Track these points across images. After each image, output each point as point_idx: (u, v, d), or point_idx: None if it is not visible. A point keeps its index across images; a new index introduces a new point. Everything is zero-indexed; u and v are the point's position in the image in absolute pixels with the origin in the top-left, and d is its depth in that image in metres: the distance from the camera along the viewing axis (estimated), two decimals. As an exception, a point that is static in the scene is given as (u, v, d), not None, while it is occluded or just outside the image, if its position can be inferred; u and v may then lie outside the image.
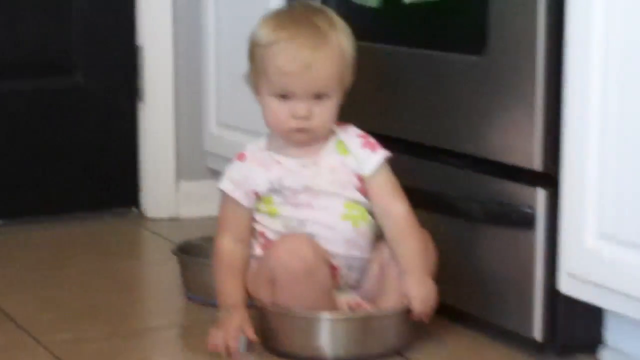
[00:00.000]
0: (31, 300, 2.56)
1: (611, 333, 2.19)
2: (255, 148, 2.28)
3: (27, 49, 3.22)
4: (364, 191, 2.25)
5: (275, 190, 2.23)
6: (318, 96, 2.19)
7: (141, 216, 3.33)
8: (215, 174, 3.27)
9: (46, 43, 3.23)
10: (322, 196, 2.23)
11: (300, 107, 2.19)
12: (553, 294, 2.15)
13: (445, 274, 2.27)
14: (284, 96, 2.20)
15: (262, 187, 2.24)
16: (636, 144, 1.97)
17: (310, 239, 2.20)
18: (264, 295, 2.22)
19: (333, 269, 2.24)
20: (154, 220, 3.30)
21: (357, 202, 2.25)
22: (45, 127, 3.25)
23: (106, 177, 3.32)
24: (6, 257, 2.91)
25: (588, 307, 2.14)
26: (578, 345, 2.20)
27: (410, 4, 2.31)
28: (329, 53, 2.19)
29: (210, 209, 3.11)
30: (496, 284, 2.24)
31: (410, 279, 2.21)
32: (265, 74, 2.21)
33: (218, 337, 2.19)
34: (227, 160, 2.34)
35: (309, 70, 2.17)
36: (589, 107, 2.04)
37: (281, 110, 2.21)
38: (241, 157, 2.28)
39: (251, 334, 2.20)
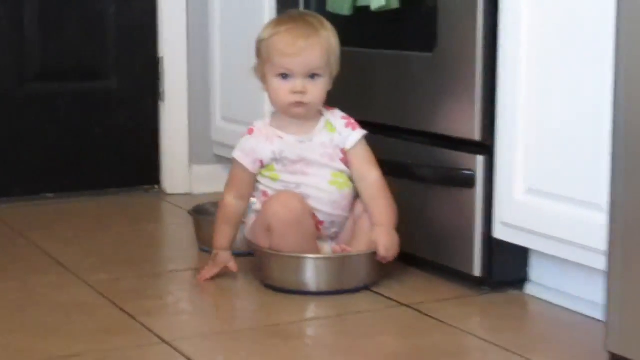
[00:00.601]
0: (78, 252, 2.55)
1: (535, 271, 2.20)
2: (262, 125, 2.28)
3: (72, 58, 3.19)
4: (346, 162, 2.26)
5: (277, 159, 2.23)
6: (312, 76, 2.20)
7: (162, 192, 3.31)
8: (221, 159, 3.28)
9: (86, 54, 3.21)
10: (314, 166, 2.23)
11: (297, 83, 2.20)
12: (490, 239, 2.16)
13: (404, 226, 2.26)
14: (284, 76, 2.21)
15: (266, 156, 2.24)
16: (553, 120, 1.98)
17: (298, 195, 2.20)
18: (261, 240, 2.22)
19: (318, 222, 2.24)
20: (172, 195, 3.28)
21: (341, 172, 2.25)
22: (85, 122, 3.22)
23: (134, 161, 3.30)
24: (56, 222, 2.89)
25: (517, 249, 2.15)
26: (509, 281, 2.20)
27: (376, 11, 2.30)
28: (319, 42, 2.20)
29: (216, 186, 3.11)
30: (444, 233, 2.24)
31: (379, 230, 2.21)
32: (270, 59, 2.21)
33: (205, 270, 2.26)
34: (231, 148, 2.33)
35: (304, 52, 2.18)
36: (517, 90, 2.05)
37: (282, 87, 2.21)
38: (250, 131, 2.28)
39: (232, 266, 2.26)
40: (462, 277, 2.22)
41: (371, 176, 2.25)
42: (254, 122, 2.30)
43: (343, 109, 2.31)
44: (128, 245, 2.62)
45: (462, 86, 2.15)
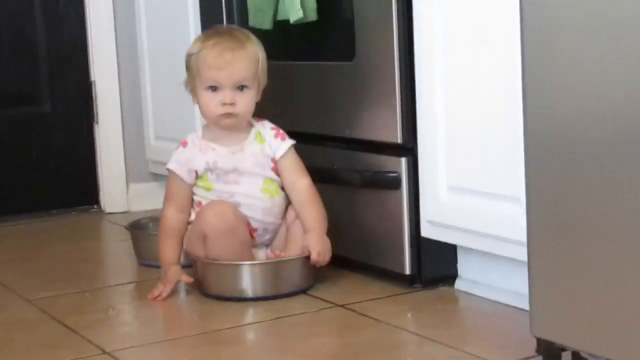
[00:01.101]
0: (18, 272, 2.51)
1: (463, 267, 2.20)
2: (195, 137, 2.26)
3: (5, 84, 3.16)
4: (276, 171, 2.25)
5: (211, 169, 2.21)
6: (240, 87, 2.19)
7: (101, 211, 3.28)
8: (156, 177, 3.25)
9: (19, 80, 3.17)
10: (247, 175, 2.22)
11: (226, 95, 2.18)
12: (418, 238, 2.16)
13: (335, 230, 2.25)
14: (214, 89, 2.19)
15: (200, 167, 2.22)
16: (469, 120, 1.99)
17: (230, 204, 2.19)
18: (197, 250, 2.20)
19: (252, 230, 2.22)
20: (110, 214, 3.25)
21: (272, 180, 2.24)
22: (22, 146, 3.18)
23: (72, 182, 3.26)
24: (-3, 244, 2.86)
25: (446, 246, 2.16)
26: (439, 277, 2.20)
27: (295, 23, 2.30)
28: (245, 54, 2.19)
29: (153, 203, 3.09)
30: (374, 234, 2.24)
31: (312, 236, 2.20)
32: (199, 72, 2.20)
33: (158, 289, 2.19)
34: (165, 165, 2.30)
35: (231, 65, 2.17)
36: (434, 94, 2.06)
37: (212, 100, 2.20)
38: (184, 144, 2.26)
39: (186, 278, 2.20)
40: (394, 277, 2.21)
41: (301, 183, 2.24)
42: (187, 135, 2.28)
43: (271, 120, 2.30)
44: (69, 264, 2.58)
45: (383, 92, 2.15)
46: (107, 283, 2.43)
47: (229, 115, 2.19)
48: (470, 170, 2.00)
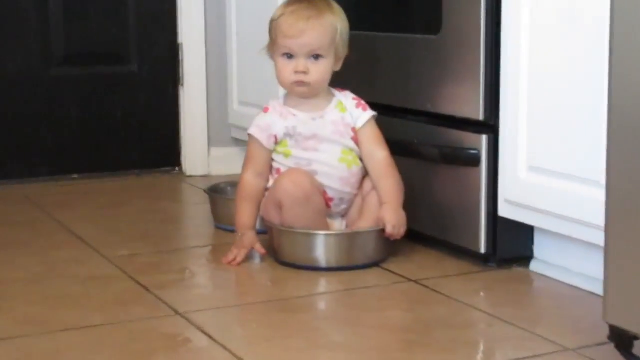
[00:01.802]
0: (99, 229, 2.55)
1: (539, 248, 2.18)
2: (276, 103, 2.27)
3: (96, 43, 3.20)
4: (356, 140, 2.24)
5: (290, 135, 2.22)
6: (315, 57, 2.19)
7: (182, 174, 3.31)
8: (238, 142, 3.27)
9: (108, 40, 3.21)
10: (326, 142, 2.22)
11: (300, 63, 2.19)
12: (495, 217, 2.14)
13: (411, 205, 2.24)
14: (289, 56, 2.20)
15: (280, 132, 2.23)
16: (553, 100, 1.96)
17: (307, 173, 2.19)
18: (273, 217, 2.21)
19: (328, 199, 2.22)
20: (191, 176, 3.27)
21: (351, 149, 2.24)
22: (109, 105, 3.22)
23: (156, 144, 3.29)
24: (81, 201, 2.90)
25: (522, 227, 2.13)
26: (514, 258, 2.18)
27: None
28: (320, 24, 2.18)
29: (233, 168, 3.10)
30: (451, 211, 2.22)
31: (387, 208, 2.19)
32: (276, 40, 2.21)
33: (232, 253, 2.20)
34: (246, 130, 2.30)
35: (304, 34, 2.17)
36: (519, 72, 2.03)
37: (286, 67, 2.21)
38: (266, 109, 2.27)
39: (259, 248, 2.20)
40: (468, 254, 2.20)
41: (379, 155, 2.23)
42: (270, 102, 2.29)
43: (352, 91, 2.30)
44: (148, 223, 2.61)
45: (467, 68, 2.13)
46: (184, 245, 2.46)
47: (301, 83, 2.20)
48: (551, 151, 1.97)
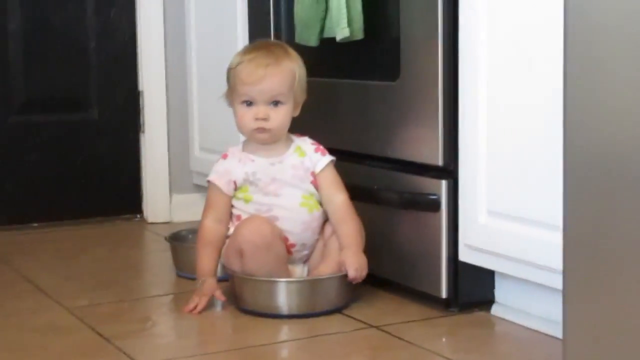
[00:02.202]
0: (58, 278, 2.52)
1: (500, 292, 2.18)
2: (235, 149, 2.28)
3: (55, 90, 3.19)
4: (316, 185, 2.25)
5: (250, 181, 2.22)
6: (274, 103, 2.20)
7: (143, 221, 3.30)
8: (200, 189, 3.26)
9: (69, 86, 3.21)
10: (286, 187, 2.22)
11: (260, 110, 2.20)
12: (455, 262, 2.14)
13: (372, 250, 2.24)
14: (248, 103, 2.21)
15: (239, 177, 2.23)
16: (512, 145, 1.97)
17: (268, 220, 2.19)
18: (234, 265, 2.20)
19: (290, 245, 2.22)
20: (153, 223, 3.26)
21: (312, 194, 2.25)
22: (69, 152, 3.22)
23: (117, 191, 3.28)
24: (39, 250, 2.88)
25: (483, 271, 2.14)
26: (476, 302, 2.18)
27: (341, 41, 2.30)
28: (280, 70, 2.20)
29: (195, 214, 3.08)
30: (411, 256, 2.22)
31: (348, 252, 2.19)
32: (235, 87, 2.22)
33: (193, 301, 2.19)
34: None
35: (264, 81, 2.19)
36: (477, 117, 2.05)
37: (246, 114, 2.22)
38: (225, 156, 2.28)
39: (219, 295, 2.19)
40: (430, 299, 2.20)
41: (338, 199, 2.24)
42: (229, 148, 2.30)
43: (312, 136, 2.31)
44: (108, 272, 2.59)
45: (425, 113, 2.14)
46: (145, 293, 2.44)
47: (262, 129, 2.21)
48: (510, 196, 1.98)
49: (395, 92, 2.23)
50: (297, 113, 2.26)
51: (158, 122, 3.27)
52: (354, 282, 2.19)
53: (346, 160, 2.36)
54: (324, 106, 2.45)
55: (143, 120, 3.27)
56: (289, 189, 2.22)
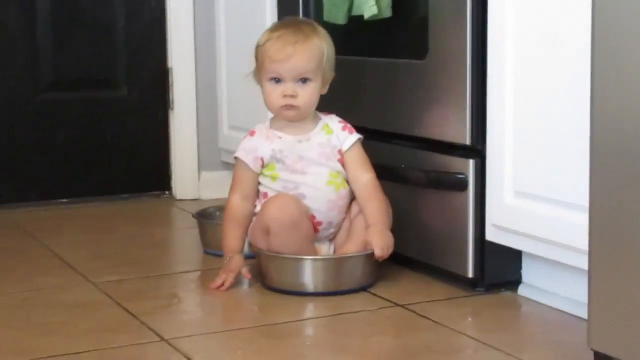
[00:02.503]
0: (86, 254, 2.54)
1: (527, 272, 2.17)
2: (262, 127, 2.28)
3: (84, 69, 3.20)
4: (343, 163, 2.25)
5: (277, 158, 2.22)
6: (302, 80, 2.20)
7: (172, 198, 3.31)
8: (228, 166, 3.26)
9: (98, 64, 3.22)
10: (313, 165, 2.22)
11: (288, 87, 2.20)
12: (482, 241, 2.14)
13: (399, 229, 2.24)
14: (276, 80, 2.21)
15: (266, 155, 2.23)
16: (539, 125, 1.96)
17: (295, 198, 2.19)
18: (260, 242, 2.21)
19: (316, 223, 2.23)
20: (181, 200, 3.28)
21: (338, 172, 2.24)
22: (99, 130, 3.23)
23: (146, 168, 3.29)
24: (68, 226, 2.90)
25: (510, 251, 2.13)
26: (502, 282, 2.17)
27: (369, 20, 2.29)
28: (307, 48, 2.19)
29: (223, 192, 3.07)
30: (438, 235, 2.22)
31: (373, 231, 2.19)
32: (263, 64, 2.22)
33: (220, 278, 2.20)
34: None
35: (292, 58, 2.18)
36: (505, 96, 2.04)
37: (274, 91, 2.21)
38: (252, 133, 2.28)
39: (245, 273, 2.20)
40: (456, 279, 2.20)
41: (365, 177, 2.24)
42: (256, 125, 2.30)
43: (339, 114, 2.30)
44: (136, 248, 2.60)
45: (453, 92, 2.13)
46: (172, 270, 2.45)
47: (289, 106, 2.20)
48: (538, 176, 1.97)
49: (423, 70, 2.22)
50: (325, 91, 2.25)
51: (187, 100, 3.27)
52: (379, 260, 2.19)
53: (373, 139, 2.36)
54: (352, 84, 2.45)
55: (172, 98, 3.27)
56: (316, 167, 2.22)
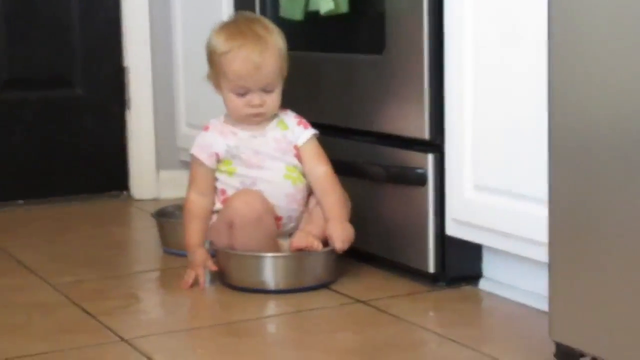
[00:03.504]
0: (44, 255, 2.52)
1: (488, 266, 2.18)
2: (217, 122, 2.27)
3: (39, 67, 3.18)
4: (299, 157, 2.25)
5: (232, 154, 2.22)
6: (267, 89, 2.20)
7: (130, 198, 3.29)
8: (186, 165, 3.24)
9: (53, 63, 3.19)
10: (269, 160, 2.22)
11: (255, 98, 2.20)
12: (442, 236, 2.14)
13: (358, 224, 2.24)
14: (241, 92, 2.20)
15: (221, 150, 2.23)
16: (498, 118, 1.97)
17: (260, 194, 2.19)
18: (223, 239, 2.20)
19: (277, 219, 2.22)
20: (139, 200, 3.26)
21: (295, 167, 2.24)
22: (54, 130, 3.20)
23: (103, 168, 3.27)
24: (24, 227, 2.88)
25: (470, 245, 2.14)
26: (463, 277, 2.18)
27: (325, 15, 2.29)
28: (271, 54, 2.19)
29: (182, 191, 3.04)
30: (398, 230, 2.22)
31: (332, 223, 2.19)
32: (225, 76, 2.20)
33: (190, 276, 2.18)
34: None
35: (259, 70, 2.17)
36: (463, 90, 2.04)
37: (240, 102, 2.22)
38: (206, 128, 2.27)
39: (211, 265, 2.20)
40: (417, 274, 2.20)
41: (321, 170, 2.24)
42: (210, 121, 2.29)
43: (297, 111, 2.30)
44: (94, 249, 2.59)
45: (411, 86, 2.14)
46: (131, 270, 2.44)
47: (256, 115, 2.21)
48: (497, 169, 1.98)
49: (380, 65, 2.22)
50: (283, 83, 2.24)
51: (144, 98, 3.26)
52: (340, 253, 2.18)
53: (331, 134, 2.36)
54: (309, 80, 2.44)
55: (129, 97, 3.25)
56: (272, 161, 2.22)
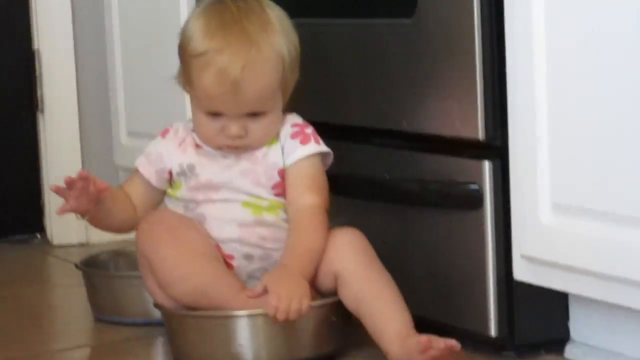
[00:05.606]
0: None
1: (577, 325, 2.19)
2: (181, 127, 2.30)
3: None
4: (282, 187, 2.26)
5: (184, 174, 2.25)
6: (253, 114, 2.21)
7: (46, 243, 3.34)
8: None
9: None
10: (224, 190, 2.24)
11: (232, 126, 2.20)
12: (508, 282, 2.14)
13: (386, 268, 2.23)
14: (214, 114, 2.21)
15: (175, 167, 2.26)
16: (586, 109, 1.96)
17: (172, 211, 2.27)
18: (159, 294, 2.23)
19: (226, 257, 2.23)
20: (61, 247, 3.30)
21: (263, 198, 2.25)
22: None
23: (4, 200, 3.32)
24: None
25: (550, 295, 2.14)
26: (541, 342, 2.19)
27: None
28: (261, 68, 2.18)
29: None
30: (443, 276, 2.23)
31: (277, 272, 2.17)
32: (192, 87, 2.23)
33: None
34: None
35: (237, 92, 2.17)
36: (534, 64, 2.03)
37: (211, 127, 2.22)
38: (164, 133, 2.31)
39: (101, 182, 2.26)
40: (474, 339, 2.20)
41: (303, 201, 2.23)
42: (174, 123, 2.32)
43: (293, 106, 2.31)
44: (1, 318, 2.63)
45: (456, 62, 2.15)
46: (48, 347, 2.47)
47: (235, 147, 2.23)
48: (587, 182, 1.97)
49: (411, 33, 2.24)
50: (286, 99, 2.26)
51: (64, 97, 3.30)
52: (277, 319, 2.10)
53: (343, 138, 2.39)
54: (311, 60, 2.40)
55: (41, 94, 3.28)
56: (231, 193, 2.24)
